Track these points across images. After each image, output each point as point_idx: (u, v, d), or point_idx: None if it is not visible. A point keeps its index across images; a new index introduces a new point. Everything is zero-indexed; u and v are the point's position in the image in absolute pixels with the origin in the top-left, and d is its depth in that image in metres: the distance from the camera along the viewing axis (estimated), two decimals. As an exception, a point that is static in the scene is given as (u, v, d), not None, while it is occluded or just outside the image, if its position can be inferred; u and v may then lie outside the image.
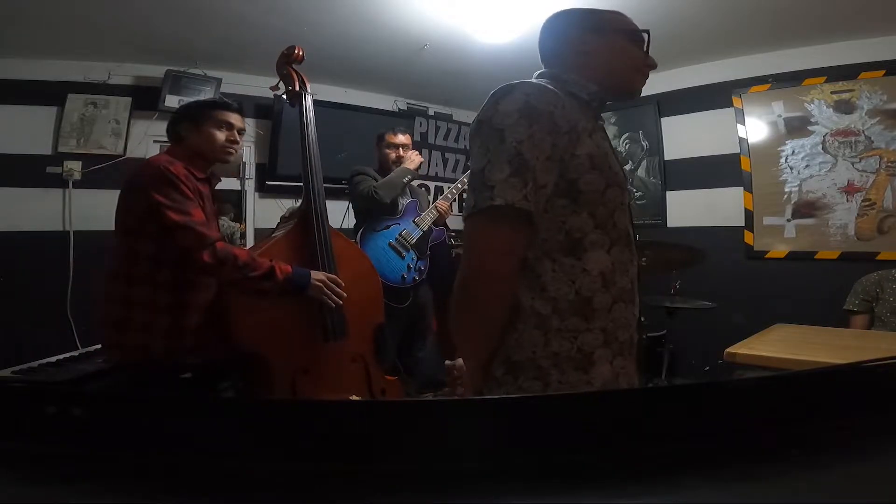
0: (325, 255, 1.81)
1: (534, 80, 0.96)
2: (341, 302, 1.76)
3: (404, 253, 2.56)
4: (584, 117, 0.93)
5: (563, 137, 0.87)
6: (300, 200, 2.04)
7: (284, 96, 2.00)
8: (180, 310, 1.59)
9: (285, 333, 1.75)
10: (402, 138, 2.66)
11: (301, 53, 1.97)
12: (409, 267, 2.56)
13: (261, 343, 1.67)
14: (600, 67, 1.00)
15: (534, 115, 0.85)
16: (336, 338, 1.79)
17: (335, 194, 2.80)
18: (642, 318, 2.81)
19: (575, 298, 0.90)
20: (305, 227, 1.83)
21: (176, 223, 1.50)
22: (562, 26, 1.05)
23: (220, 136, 1.69)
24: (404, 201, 2.65)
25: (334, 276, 1.77)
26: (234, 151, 1.74)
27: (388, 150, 2.66)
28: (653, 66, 1.05)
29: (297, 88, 1.95)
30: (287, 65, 1.96)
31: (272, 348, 1.69)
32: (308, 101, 1.95)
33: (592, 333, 0.91)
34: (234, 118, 1.73)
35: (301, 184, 1.90)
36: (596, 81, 0.99)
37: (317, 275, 1.72)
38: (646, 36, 1.04)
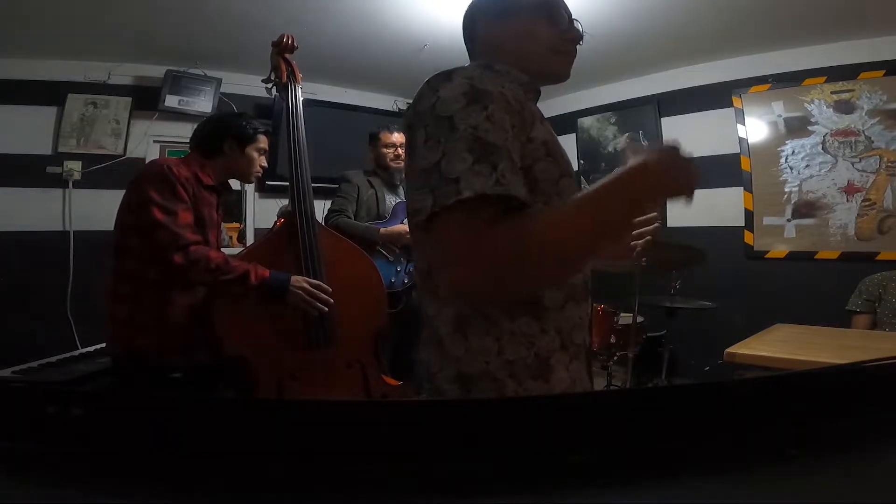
0: (310, 257, 1.71)
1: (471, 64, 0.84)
2: (326, 309, 1.67)
3: (391, 257, 2.54)
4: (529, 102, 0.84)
5: (517, 118, 0.76)
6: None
7: (274, 89, 1.93)
8: (165, 307, 1.58)
9: (268, 338, 1.68)
10: (397, 136, 2.65)
11: (291, 42, 1.91)
12: (397, 271, 2.53)
13: (243, 346, 1.63)
14: (515, 56, 0.89)
15: (484, 96, 0.73)
16: (319, 345, 1.70)
17: (328, 194, 2.78)
18: (641, 320, 2.86)
19: (525, 296, 0.80)
20: (291, 228, 1.75)
21: (156, 221, 1.51)
22: (468, 22, 0.96)
23: (258, 160, 1.76)
24: (392, 202, 2.64)
25: (318, 283, 1.68)
26: (259, 175, 1.81)
27: (385, 150, 2.66)
28: (575, 40, 0.91)
29: (285, 79, 1.89)
30: (277, 55, 1.91)
31: (255, 352, 1.64)
32: (297, 93, 1.89)
33: (548, 336, 0.81)
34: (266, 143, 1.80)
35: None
36: (519, 70, 0.88)
37: (297, 281, 1.64)
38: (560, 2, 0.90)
